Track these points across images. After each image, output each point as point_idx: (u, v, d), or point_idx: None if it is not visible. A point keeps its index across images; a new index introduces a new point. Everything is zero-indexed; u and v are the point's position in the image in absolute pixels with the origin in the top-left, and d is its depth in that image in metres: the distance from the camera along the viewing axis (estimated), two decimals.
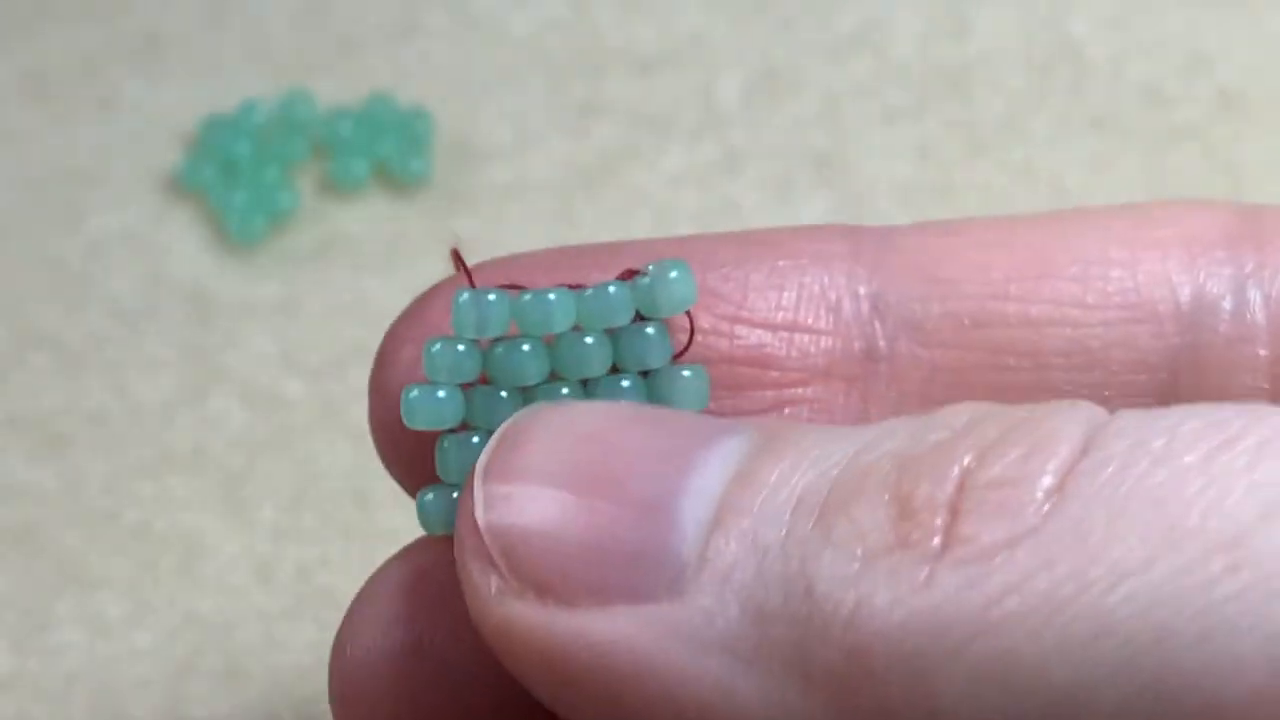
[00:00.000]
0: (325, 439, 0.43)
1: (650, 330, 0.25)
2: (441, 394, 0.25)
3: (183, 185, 0.47)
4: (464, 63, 0.49)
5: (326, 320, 0.45)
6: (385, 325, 0.45)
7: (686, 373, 0.25)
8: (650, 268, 0.25)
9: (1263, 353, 0.25)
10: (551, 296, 0.24)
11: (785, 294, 0.26)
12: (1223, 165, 0.47)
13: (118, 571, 0.41)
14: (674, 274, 0.24)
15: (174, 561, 0.41)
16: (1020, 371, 0.26)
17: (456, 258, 0.25)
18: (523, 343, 0.24)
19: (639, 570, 0.21)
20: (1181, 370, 0.26)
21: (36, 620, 0.40)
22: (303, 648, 0.40)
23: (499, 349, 0.25)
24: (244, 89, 0.48)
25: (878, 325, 0.26)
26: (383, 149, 0.47)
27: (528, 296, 0.24)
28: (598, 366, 0.25)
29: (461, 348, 0.25)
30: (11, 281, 0.45)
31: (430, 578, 0.25)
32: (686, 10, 0.50)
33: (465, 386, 0.25)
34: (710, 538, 0.21)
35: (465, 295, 0.24)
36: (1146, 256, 0.26)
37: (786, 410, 0.26)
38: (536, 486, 0.22)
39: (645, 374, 0.25)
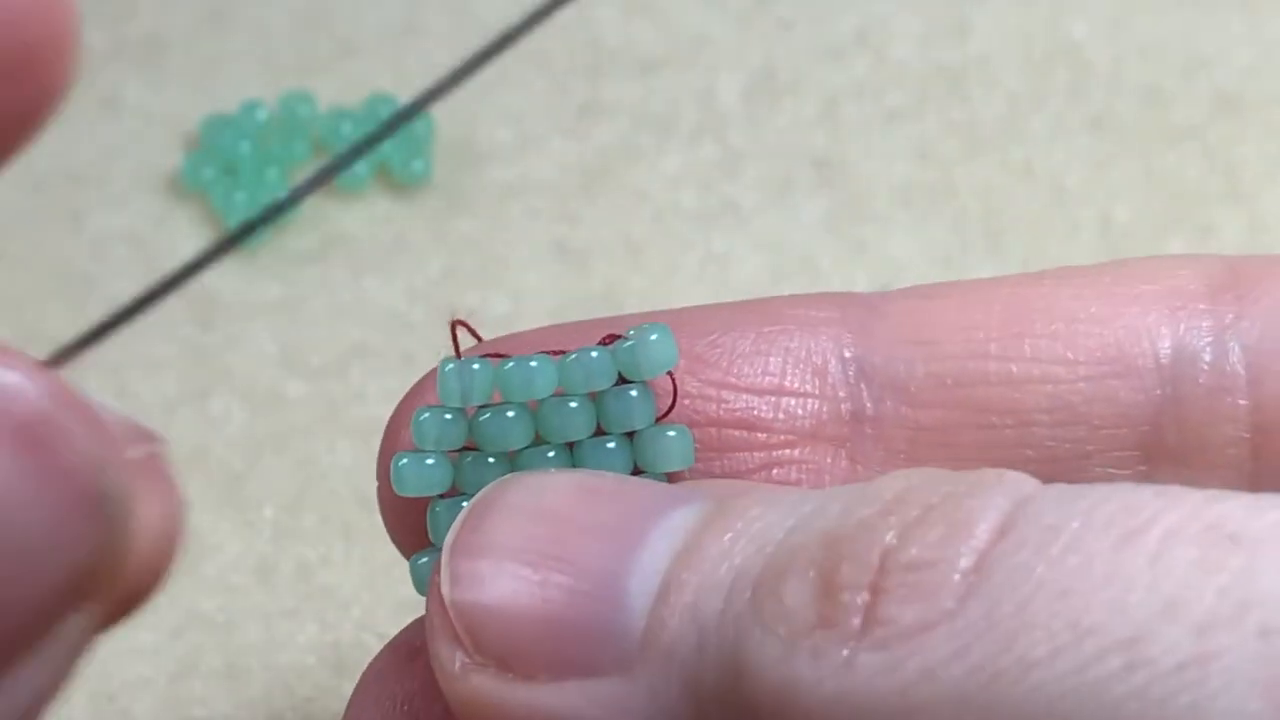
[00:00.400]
0: (326, 439, 0.43)
1: (633, 392, 0.25)
2: (430, 461, 0.25)
3: (184, 186, 0.47)
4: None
5: (327, 320, 0.45)
6: (386, 326, 0.45)
7: (671, 433, 0.25)
8: (631, 332, 0.25)
9: (1242, 402, 0.26)
10: (533, 363, 0.25)
11: (771, 359, 0.26)
12: (1221, 166, 0.47)
13: None
14: (654, 336, 0.25)
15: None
16: (1004, 429, 0.26)
17: (454, 329, 0.26)
18: (507, 409, 0.25)
19: (590, 646, 0.22)
20: (1164, 423, 0.26)
21: None
22: (304, 647, 0.40)
23: (484, 416, 0.25)
24: (245, 90, 0.48)
25: (864, 387, 0.26)
26: (383, 150, 0.47)
27: (510, 364, 0.25)
28: (582, 430, 0.25)
29: (448, 416, 0.25)
30: (13, 281, 0.45)
31: (424, 657, 0.26)
32: (686, 11, 0.50)
33: (455, 453, 0.26)
34: (654, 613, 0.22)
35: (450, 365, 0.25)
36: (1127, 312, 0.26)
37: (775, 471, 0.26)
38: (497, 563, 0.23)
39: (630, 435, 0.26)
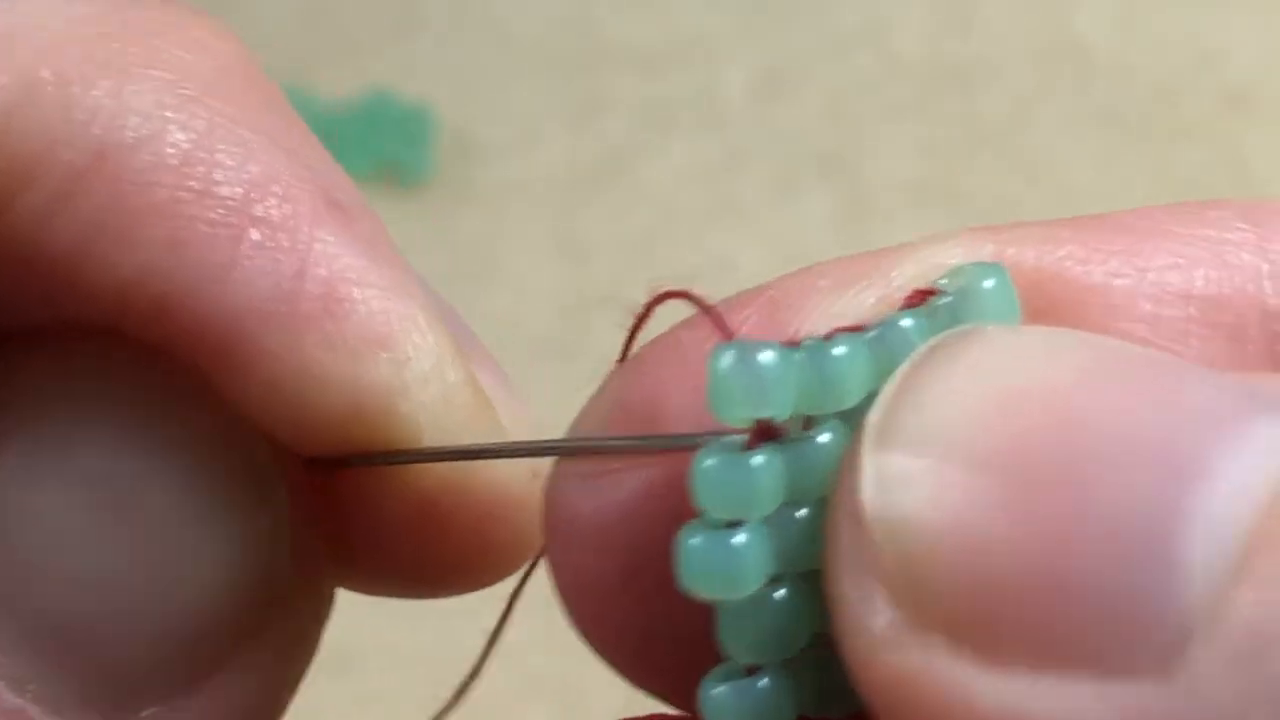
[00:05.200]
0: None
1: None
2: (741, 538, 0.16)
3: None
4: (467, 59, 0.49)
5: None
6: None
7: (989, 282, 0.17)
8: (944, 282, 0.17)
9: None
10: (840, 350, 0.16)
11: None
12: (1230, 162, 0.47)
13: None
14: (988, 283, 0.17)
15: None
16: None
17: (652, 305, 0.18)
18: (820, 433, 0.17)
19: (1110, 627, 0.14)
20: None
21: None
22: None
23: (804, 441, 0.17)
24: None
25: None
26: (385, 146, 0.47)
27: (801, 354, 0.16)
28: None
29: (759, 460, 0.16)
30: None
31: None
32: (689, 7, 0.50)
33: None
34: (1230, 589, 0.14)
35: (730, 354, 0.16)
36: None
37: None
38: (954, 468, 0.15)
39: None
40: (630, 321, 0.17)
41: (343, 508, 0.19)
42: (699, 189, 0.47)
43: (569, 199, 0.47)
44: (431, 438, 0.18)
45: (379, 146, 0.47)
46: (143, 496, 0.18)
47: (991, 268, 0.17)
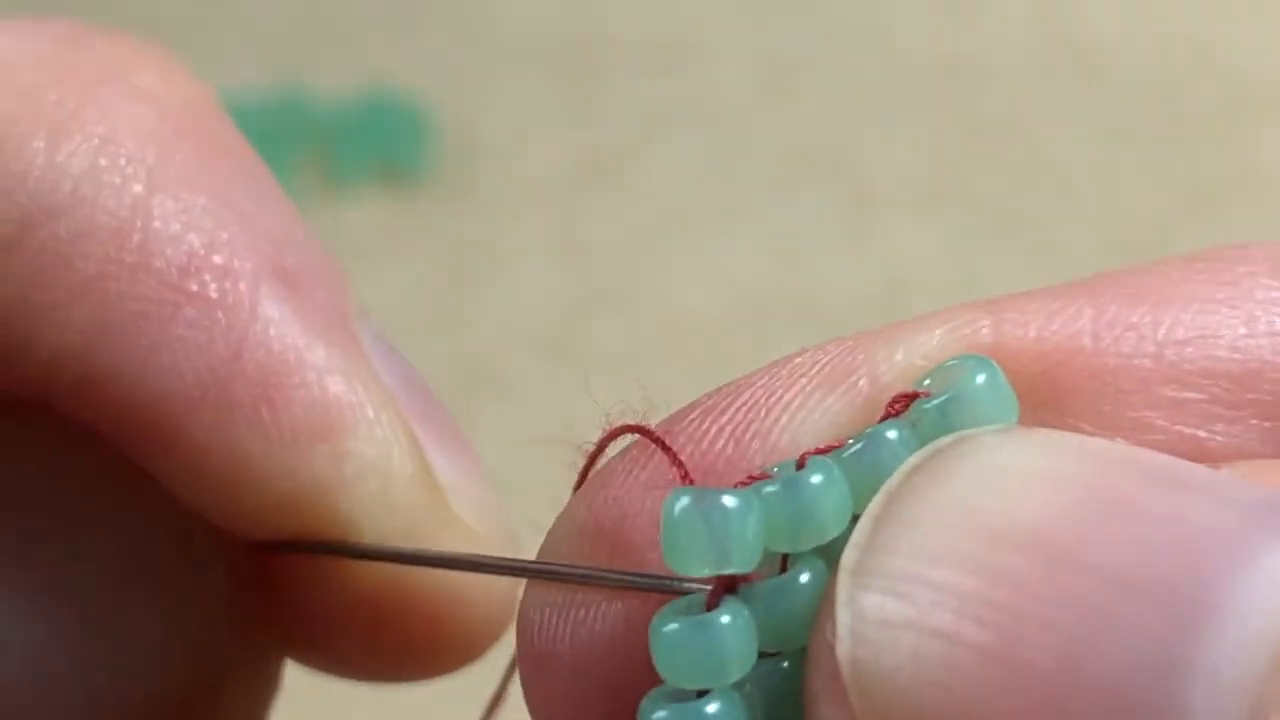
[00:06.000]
0: None
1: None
2: (713, 708, 0.14)
3: None
4: (466, 58, 0.49)
5: None
6: (386, 323, 0.45)
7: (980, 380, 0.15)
8: (928, 383, 0.16)
9: None
10: (816, 479, 0.15)
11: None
12: (1232, 162, 0.47)
13: None
14: (980, 379, 0.15)
15: None
16: None
17: (657, 442, 0.16)
18: (800, 571, 0.15)
19: None
20: None
21: None
22: None
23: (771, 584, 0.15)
24: (241, 82, 0.48)
25: None
26: (384, 145, 0.47)
27: (773, 488, 0.15)
28: None
29: (726, 619, 0.14)
30: None
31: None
32: (690, 5, 0.50)
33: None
34: None
35: (685, 500, 0.15)
36: None
37: None
38: (938, 614, 0.13)
39: None
40: (582, 458, 0.16)
41: (288, 591, 0.18)
42: (699, 189, 0.47)
43: (569, 199, 0.47)
44: (373, 535, 0.17)
45: (378, 145, 0.47)
46: (69, 577, 0.17)
47: (981, 361, 0.15)
